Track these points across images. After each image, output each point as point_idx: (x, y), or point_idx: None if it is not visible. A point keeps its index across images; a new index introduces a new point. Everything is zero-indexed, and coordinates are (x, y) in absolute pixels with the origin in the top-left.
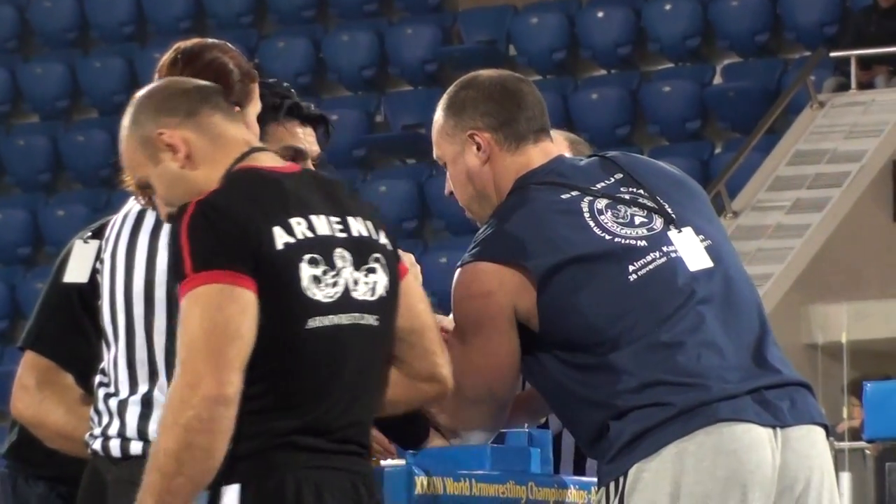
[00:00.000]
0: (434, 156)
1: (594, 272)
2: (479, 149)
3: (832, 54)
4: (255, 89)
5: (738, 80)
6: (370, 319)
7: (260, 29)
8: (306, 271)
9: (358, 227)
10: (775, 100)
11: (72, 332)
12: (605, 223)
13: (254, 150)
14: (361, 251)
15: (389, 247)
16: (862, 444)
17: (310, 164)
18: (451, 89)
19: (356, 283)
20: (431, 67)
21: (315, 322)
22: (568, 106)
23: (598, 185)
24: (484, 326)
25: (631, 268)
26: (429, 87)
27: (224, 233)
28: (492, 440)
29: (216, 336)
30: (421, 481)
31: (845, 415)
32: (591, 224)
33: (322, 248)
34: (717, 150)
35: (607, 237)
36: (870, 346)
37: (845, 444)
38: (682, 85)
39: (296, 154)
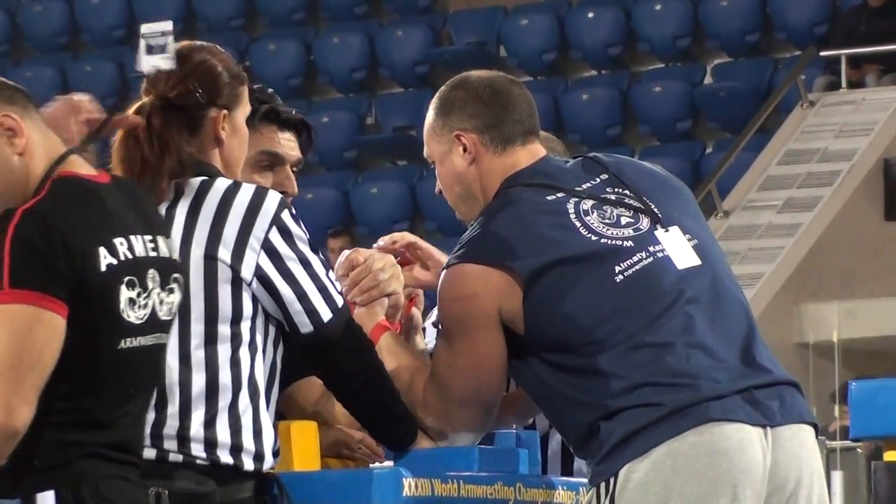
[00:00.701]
0: (424, 154)
1: (580, 273)
2: (465, 150)
3: (822, 53)
4: (245, 92)
5: (728, 79)
6: (165, 338)
7: (250, 31)
8: (124, 294)
9: (163, 246)
10: (766, 99)
11: None
12: (592, 224)
13: (71, 151)
14: (166, 271)
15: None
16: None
17: (288, 170)
18: (442, 89)
19: (161, 303)
20: (422, 69)
21: (126, 343)
22: (558, 107)
23: (584, 186)
24: (469, 328)
25: (617, 268)
26: (419, 89)
27: (49, 252)
28: (479, 441)
29: (18, 361)
30: (409, 483)
31: (837, 414)
32: (578, 225)
33: (138, 269)
34: (708, 150)
35: (593, 238)
36: (861, 344)
37: (837, 443)
38: (673, 85)
39: (273, 159)
